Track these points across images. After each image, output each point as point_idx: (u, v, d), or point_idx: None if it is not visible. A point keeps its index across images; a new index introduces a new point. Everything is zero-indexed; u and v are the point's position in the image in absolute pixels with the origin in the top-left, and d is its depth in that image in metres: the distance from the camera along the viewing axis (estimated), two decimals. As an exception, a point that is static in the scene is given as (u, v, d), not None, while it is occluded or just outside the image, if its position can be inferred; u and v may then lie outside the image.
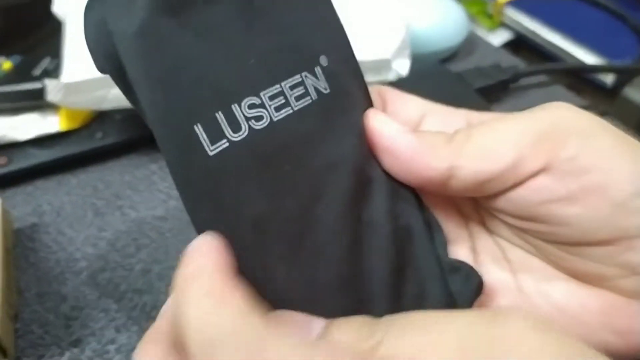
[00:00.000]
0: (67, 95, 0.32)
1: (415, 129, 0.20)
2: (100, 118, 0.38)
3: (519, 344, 0.12)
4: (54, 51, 0.39)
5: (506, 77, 0.41)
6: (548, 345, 0.12)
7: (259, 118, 0.16)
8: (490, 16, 0.54)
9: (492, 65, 0.41)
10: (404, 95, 0.21)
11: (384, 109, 0.20)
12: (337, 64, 0.18)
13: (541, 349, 0.12)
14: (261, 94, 0.16)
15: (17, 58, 0.39)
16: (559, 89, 0.44)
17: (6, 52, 0.40)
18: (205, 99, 0.15)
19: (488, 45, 0.49)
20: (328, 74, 0.17)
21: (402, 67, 0.38)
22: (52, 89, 0.32)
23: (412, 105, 0.21)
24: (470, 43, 0.48)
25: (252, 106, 0.16)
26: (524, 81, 0.42)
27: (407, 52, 0.38)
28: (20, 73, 0.37)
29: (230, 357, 0.13)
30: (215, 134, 0.15)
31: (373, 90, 0.20)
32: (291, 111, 0.17)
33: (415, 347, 0.13)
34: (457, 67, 0.44)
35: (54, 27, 0.46)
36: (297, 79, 0.17)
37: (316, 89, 0.17)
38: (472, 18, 0.53)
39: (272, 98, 0.16)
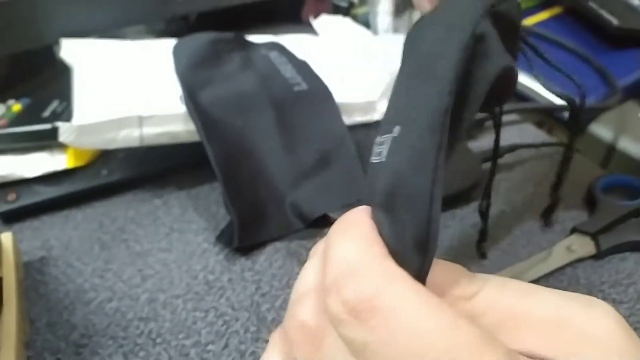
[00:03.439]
0: (79, 136, 0.34)
1: None
2: (104, 156, 0.40)
3: (608, 334, 0.14)
4: (60, 94, 0.42)
5: (482, 116, 0.44)
6: (632, 344, 0.14)
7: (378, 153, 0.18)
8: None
9: (469, 106, 0.44)
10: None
11: None
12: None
13: (627, 346, 0.13)
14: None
15: (26, 100, 0.41)
16: (530, 127, 0.48)
17: (14, 95, 0.43)
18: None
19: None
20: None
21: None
22: (65, 131, 0.34)
23: None
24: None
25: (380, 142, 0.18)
26: (498, 120, 0.46)
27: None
28: (30, 115, 0.39)
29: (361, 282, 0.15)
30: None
31: None
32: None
33: (514, 306, 0.14)
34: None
35: (57, 71, 0.49)
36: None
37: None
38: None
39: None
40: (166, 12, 0.51)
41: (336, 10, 0.61)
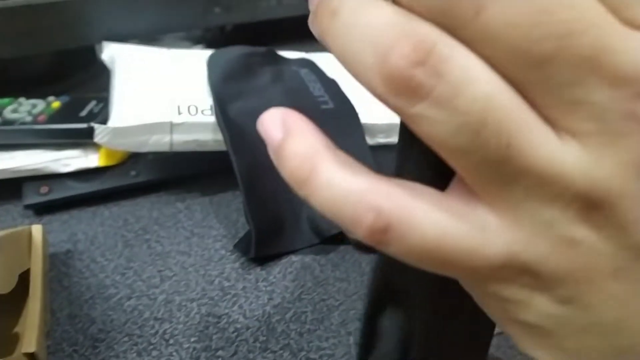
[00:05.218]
0: (113, 138, 0.36)
1: None
2: (134, 157, 0.42)
3: None
4: (97, 95, 0.43)
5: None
6: None
7: None
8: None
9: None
10: None
11: None
12: None
13: None
14: None
15: (65, 98, 0.43)
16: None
17: (54, 92, 0.45)
18: None
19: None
20: None
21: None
22: (100, 132, 0.36)
23: None
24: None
25: None
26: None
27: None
28: (68, 113, 0.41)
29: None
30: None
31: None
32: None
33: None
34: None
35: (96, 71, 0.51)
36: None
37: None
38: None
39: None
40: (205, 21, 0.52)
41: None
